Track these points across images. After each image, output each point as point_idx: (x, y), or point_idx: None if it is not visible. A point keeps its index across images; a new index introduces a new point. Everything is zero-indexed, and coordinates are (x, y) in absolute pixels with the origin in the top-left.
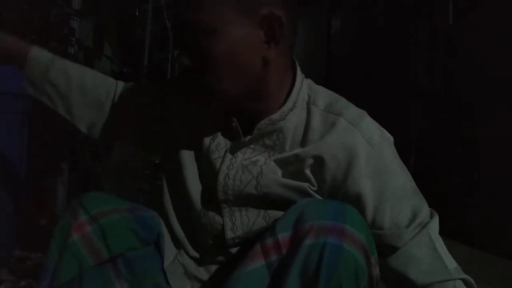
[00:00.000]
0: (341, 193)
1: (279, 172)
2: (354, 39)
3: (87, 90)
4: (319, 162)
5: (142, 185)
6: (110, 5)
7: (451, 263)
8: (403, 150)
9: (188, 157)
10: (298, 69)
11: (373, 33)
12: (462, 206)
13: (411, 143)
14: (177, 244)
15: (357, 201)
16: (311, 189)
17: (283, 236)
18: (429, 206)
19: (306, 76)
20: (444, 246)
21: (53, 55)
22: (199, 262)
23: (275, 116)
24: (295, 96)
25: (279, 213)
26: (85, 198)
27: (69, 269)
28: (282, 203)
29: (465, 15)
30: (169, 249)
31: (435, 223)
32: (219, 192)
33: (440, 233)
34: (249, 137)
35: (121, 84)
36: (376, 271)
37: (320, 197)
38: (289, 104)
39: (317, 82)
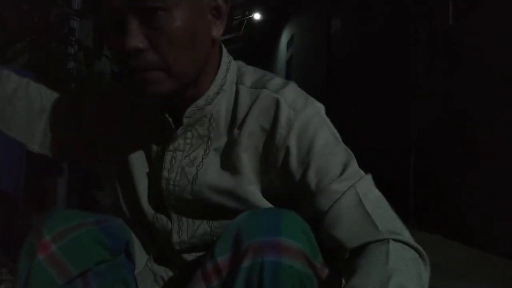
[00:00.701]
0: (275, 167)
1: (217, 165)
2: (354, 39)
3: (25, 104)
4: (251, 139)
5: None
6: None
7: (386, 223)
8: (403, 150)
9: (135, 165)
10: (225, 51)
11: (373, 33)
12: (462, 206)
13: (411, 143)
14: (146, 249)
15: (284, 168)
16: (245, 185)
17: (222, 259)
18: (429, 206)
19: (307, 76)
20: (384, 204)
21: None
22: (167, 267)
23: (200, 101)
24: (221, 78)
25: (224, 222)
26: (49, 217)
27: None
28: (222, 209)
29: (465, 15)
30: (140, 256)
31: (365, 181)
32: (164, 198)
33: (440, 233)
34: (181, 128)
35: (53, 95)
36: (325, 272)
37: (257, 191)
38: (214, 87)
39: (317, 82)
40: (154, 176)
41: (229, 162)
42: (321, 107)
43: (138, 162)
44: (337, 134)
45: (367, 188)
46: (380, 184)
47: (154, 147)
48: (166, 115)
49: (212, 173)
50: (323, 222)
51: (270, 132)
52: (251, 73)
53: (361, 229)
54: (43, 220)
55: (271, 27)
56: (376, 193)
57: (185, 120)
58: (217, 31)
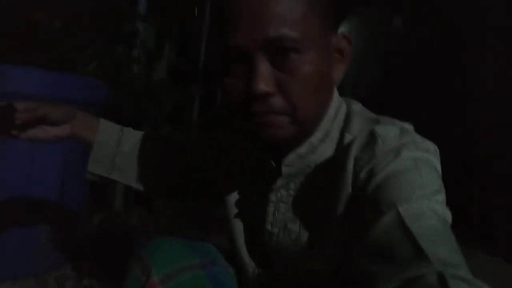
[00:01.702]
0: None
1: (321, 225)
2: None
3: (154, 159)
4: (350, 193)
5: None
6: (172, 7)
7: (437, 250)
8: None
9: (235, 214)
10: (336, 93)
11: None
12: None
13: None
14: None
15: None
16: (338, 261)
17: None
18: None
19: None
20: (441, 231)
21: (119, 126)
22: None
23: (302, 149)
24: (328, 124)
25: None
26: (156, 251)
27: None
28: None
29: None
30: None
31: (417, 205)
32: (268, 253)
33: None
34: (281, 178)
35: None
36: None
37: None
38: (319, 134)
39: None
40: (255, 228)
41: (335, 225)
42: (425, 147)
43: (238, 211)
44: (434, 183)
45: (417, 211)
46: None
47: (255, 196)
48: (272, 163)
49: (314, 234)
50: (358, 255)
51: (354, 168)
52: (359, 118)
53: (401, 258)
54: (148, 252)
55: None
56: (434, 221)
57: (284, 169)
58: (338, 74)
